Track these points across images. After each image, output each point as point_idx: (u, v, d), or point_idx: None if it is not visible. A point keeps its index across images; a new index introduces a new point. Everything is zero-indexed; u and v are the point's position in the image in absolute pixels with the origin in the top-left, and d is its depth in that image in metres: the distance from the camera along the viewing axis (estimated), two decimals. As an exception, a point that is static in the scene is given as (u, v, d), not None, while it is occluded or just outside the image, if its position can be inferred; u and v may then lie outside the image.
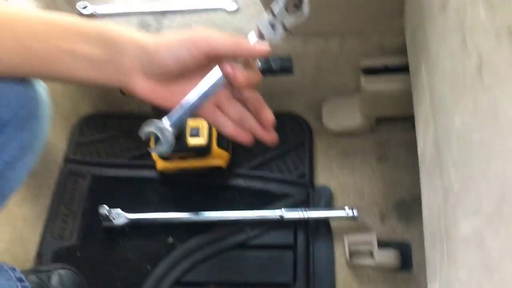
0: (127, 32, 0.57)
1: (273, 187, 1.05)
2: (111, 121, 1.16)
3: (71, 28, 0.56)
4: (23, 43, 0.54)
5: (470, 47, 0.49)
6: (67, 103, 1.15)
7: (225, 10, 1.06)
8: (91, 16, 1.09)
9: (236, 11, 1.06)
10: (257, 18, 0.54)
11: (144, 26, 1.07)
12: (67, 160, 1.11)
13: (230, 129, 0.60)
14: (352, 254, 0.92)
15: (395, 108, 1.00)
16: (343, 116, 1.09)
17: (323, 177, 1.06)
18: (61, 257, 1.00)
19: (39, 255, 1.00)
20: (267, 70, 0.96)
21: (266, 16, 0.52)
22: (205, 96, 0.56)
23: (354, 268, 0.94)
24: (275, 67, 0.95)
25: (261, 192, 1.05)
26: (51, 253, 1.00)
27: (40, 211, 1.06)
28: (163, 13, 1.08)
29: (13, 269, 0.77)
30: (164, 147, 0.57)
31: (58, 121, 1.13)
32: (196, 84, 0.56)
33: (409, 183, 1.01)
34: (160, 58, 0.55)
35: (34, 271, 0.93)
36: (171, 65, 0.55)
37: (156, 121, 0.56)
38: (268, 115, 0.61)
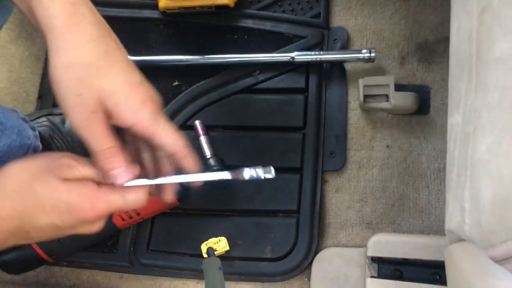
0: None
1: (284, 28, 0.96)
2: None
3: None
4: None
5: None
6: None
7: None
8: None
9: None
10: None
11: None
12: (62, -3, 1.02)
13: None
14: (366, 97, 0.87)
15: None
16: None
17: (339, 18, 0.97)
18: (64, 99, 0.96)
19: (40, 97, 0.97)
20: None
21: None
22: None
23: (367, 112, 0.90)
24: None
25: (271, 33, 0.97)
26: (52, 95, 0.96)
27: (38, 52, 1.00)
28: None
29: (15, 111, 0.74)
30: None
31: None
32: None
33: (435, 23, 0.92)
34: None
35: (47, 114, 0.89)
36: None
37: None
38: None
